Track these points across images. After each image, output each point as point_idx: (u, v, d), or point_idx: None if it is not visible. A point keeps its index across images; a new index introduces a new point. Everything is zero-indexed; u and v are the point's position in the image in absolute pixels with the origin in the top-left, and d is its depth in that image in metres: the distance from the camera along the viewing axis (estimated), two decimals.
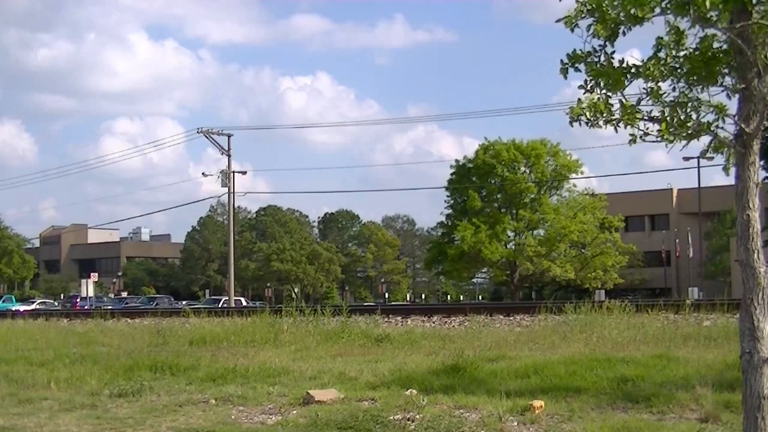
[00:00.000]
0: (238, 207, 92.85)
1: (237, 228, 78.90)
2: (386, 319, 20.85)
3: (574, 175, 61.36)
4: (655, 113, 5.46)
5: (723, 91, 5.44)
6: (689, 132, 5.40)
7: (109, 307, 49.45)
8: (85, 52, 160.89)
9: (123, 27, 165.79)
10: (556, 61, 5.56)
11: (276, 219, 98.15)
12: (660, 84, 5.44)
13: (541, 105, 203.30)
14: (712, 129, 5.43)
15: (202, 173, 59.85)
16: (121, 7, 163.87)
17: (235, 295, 57.93)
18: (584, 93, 5.50)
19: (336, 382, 10.70)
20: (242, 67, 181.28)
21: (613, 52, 5.46)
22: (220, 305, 48.67)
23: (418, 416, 8.35)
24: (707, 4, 4.95)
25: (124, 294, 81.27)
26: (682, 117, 5.39)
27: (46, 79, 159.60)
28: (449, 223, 63.45)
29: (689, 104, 5.41)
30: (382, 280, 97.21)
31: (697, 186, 54.91)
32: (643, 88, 5.45)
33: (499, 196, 60.99)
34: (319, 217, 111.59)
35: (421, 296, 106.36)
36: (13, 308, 50.19)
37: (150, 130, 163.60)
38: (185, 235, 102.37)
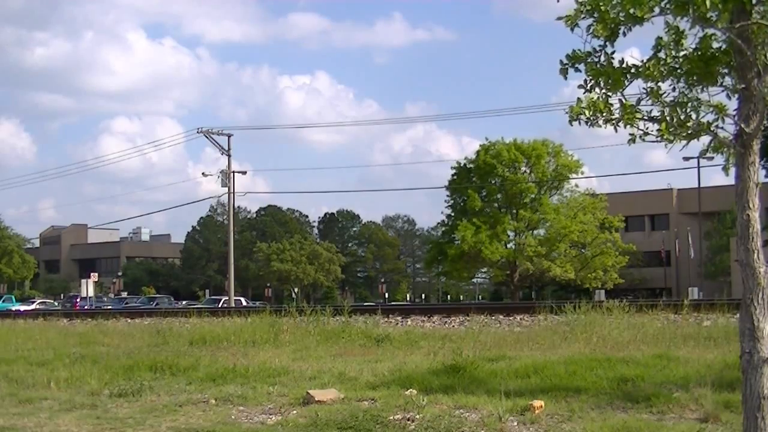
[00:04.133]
0: (238, 207, 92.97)
1: (237, 228, 78.89)
2: (386, 319, 20.83)
3: (573, 175, 61.41)
4: (655, 113, 5.47)
5: (723, 91, 5.45)
6: (689, 132, 5.40)
7: (109, 307, 49.47)
8: (82, 51, 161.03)
9: (121, 25, 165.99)
10: (555, 60, 5.57)
11: (276, 219, 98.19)
12: (660, 84, 5.44)
13: (540, 105, 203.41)
14: (711, 129, 5.43)
15: (202, 173, 59.83)
16: (119, 5, 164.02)
17: (235, 295, 57.92)
18: (584, 93, 5.50)
19: (336, 382, 10.70)
20: (240, 66, 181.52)
21: (613, 52, 5.46)
22: (220, 305, 48.67)
23: (418, 416, 8.35)
24: (707, 4, 4.95)
25: (124, 294, 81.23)
26: (682, 117, 5.39)
27: (44, 77, 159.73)
28: (449, 223, 63.47)
29: (689, 104, 5.41)
30: (382, 280, 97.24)
31: (697, 186, 54.91)
32: (643, 88, 5.46)
33: (499, 196, 60.99)
34: (319, 217, 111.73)
35: (421, 296, 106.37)
36: (13, 308, 50.20)
37: (149, 130, 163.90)
38: (185, 235, 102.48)
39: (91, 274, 59.08)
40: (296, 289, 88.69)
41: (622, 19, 5.26)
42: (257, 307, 26.31)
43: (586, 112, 5.38)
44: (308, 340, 15.73)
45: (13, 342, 18.64)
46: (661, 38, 5.35)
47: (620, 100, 5.45)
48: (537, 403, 8.34)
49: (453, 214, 63.16)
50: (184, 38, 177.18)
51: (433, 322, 20.02)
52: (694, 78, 5.38)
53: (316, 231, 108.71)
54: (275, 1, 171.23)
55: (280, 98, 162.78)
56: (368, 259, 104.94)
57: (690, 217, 68.18)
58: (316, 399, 9.32)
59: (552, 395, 8.89)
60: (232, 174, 55.28)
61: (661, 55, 5.37)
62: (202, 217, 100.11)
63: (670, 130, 5.36)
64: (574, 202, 61.45)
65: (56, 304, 64.77)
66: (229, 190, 55.26)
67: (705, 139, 5.55)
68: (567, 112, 5.45)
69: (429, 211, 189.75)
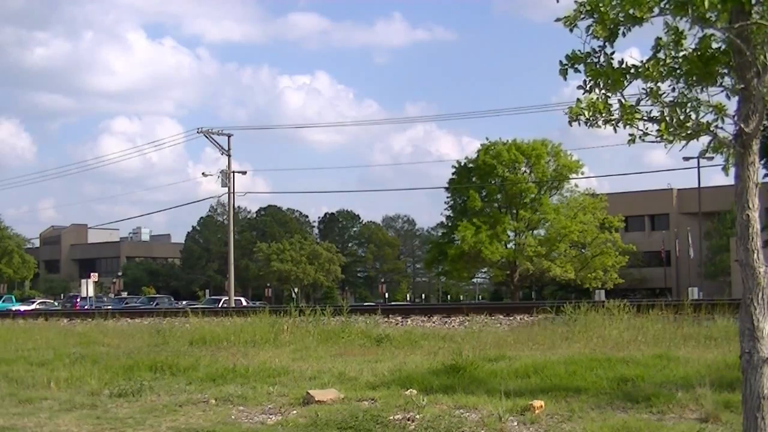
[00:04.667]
0: (238, 207, 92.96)
1: (237, 228, 78.89)
2: (386, 319, 20.84)
3: (573, 176, 61.42)
4: (655, 113, 5.47)
5: (722, 91, 5.45)
6: (689, 132, 5.40)
7: (109, 307, 49.46)
8: (82, 51, 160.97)
9: (120, 25, 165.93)
10: (555, 60, 5.57)
11: (276, 219, 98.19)
12: (659, 84, 5.44)
13: (540, 105, 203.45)
14: (711, 129, 5.43)
15: (202, 173, 59.85)
16: (119, 5, 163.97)
17: (235, 295, 57.92)
18: (583, 93, 5.50)
19: (336, 382, 10.70)
20: (240, 66, 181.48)
21: (613, 53, 5.46)
22: (220, 305, 48.68)
23: (418, 416, 8.35)
24: (706, 4, 4.95)
25: (124, 294, 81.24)
26: (682, 117, 5.39)
27: (44, 77, 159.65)
28: (449, 224, 63.51)
29: (688, 104, 5.41)
30: (382, 280, 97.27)
31: (697, 186, 54.90)
32: (643, 89, 5.46)
33: (499, 196, 61.01)
34: (319, 217, 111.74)
35: (421, 296, 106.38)
36: (13, 308, 50.20)
37: (149, 130, 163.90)
38: (185, 235, 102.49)
39: (91, 274, 59.04)
40: (296, 289, 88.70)
41: (622, 19, 5.26)
42: (257, 307, 26.31)
43: (586, 112, 5.38)
44: (308, 340, 15.72)
45: (13, 342, 18.64)
46: (661, 38, 5.36)
47: (620, 100, 5.45)
48: (537, 403, 8.34)
49: (453, 214, 63.19)
50: (184, 38, 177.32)
51: (433, 322, 20.03)
52: (694, 78, 5.39)
53: (316, 231, 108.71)
54: (275, 1, 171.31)
55: (280, 98, 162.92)
56: (368, 259, 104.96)
57: (690, 217, 68.18)
58: (316, 399, 9.32)
59: (552, 395, 8.89)
60: (232, 174, 55.29)
61: (661, 55, 5.37)
62: (202, 217, 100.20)
63: (670, 130, 5.36)
64: (574, 202, 61.45)
65: (56, 304, 64.77)
66: (229, 190, 55.28)
67: (705, 139, 5.55)
68: (567, 113, 5.46)
69: (429, 211, 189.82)
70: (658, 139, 5.38)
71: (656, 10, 5.21)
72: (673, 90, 5.48)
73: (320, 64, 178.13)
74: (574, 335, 14.23)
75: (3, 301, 63.39)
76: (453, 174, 63.01)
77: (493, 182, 60.06)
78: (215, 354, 14.10)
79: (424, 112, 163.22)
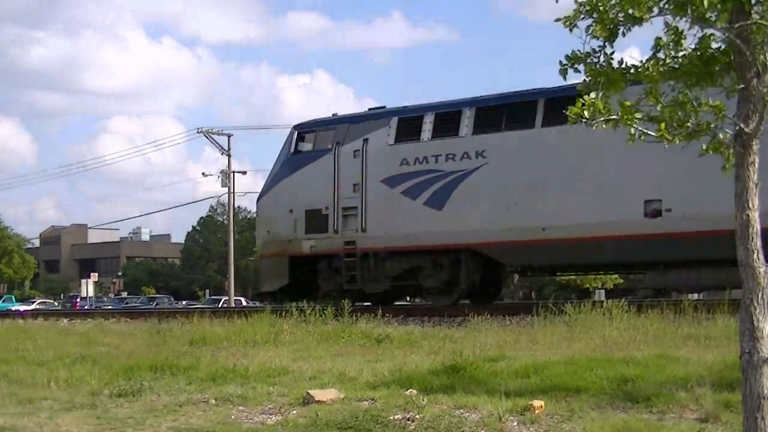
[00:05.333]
0: (238, 207, 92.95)
1: (237, 228, 78.90)
2: (386, 319, 20.80)
3: None
4: (654, 113, 5.47)
5: (722, 91, 5.45)
6: (688, 132, 5.41)
7: (109, 307, 49.50)
8: (81, 50, 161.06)
9: (120, 24, 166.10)
10: (556, 59, 5.58)
11: None
12: (659, 84, 5.45)
13: None
14: (711, 129, 5.43)
15: (202, 173, 60.20)
16: (118, 5, 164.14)
17: (235, 295, 57.94)
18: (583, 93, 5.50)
19: (336, 382, 10.69)
20: (240, 65, 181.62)
21: (613, 53, 5.47)
22: (220, 305, 48.70)
23: (418, 416, 8.35)
24: (705, 4, 4.95)
25: (124, 294, 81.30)
26: (681, 117, 5.39)
27: (43, 76, 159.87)
28: None
29: (688, 104, 5.41)
30: None
31: None
32: (643, 88, 5.46)
33: None
34: None
35: None
36: (13, 308, 50.21)
37: (148, 129, 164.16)
38: (185, 235, 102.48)
39: (91, 274, 59.12)
40: None
41: (621, 19, 5.26)
42: (257, 307, 26.29)
43: (586, 112, 5.38)
44: (308, 340, 15.70)
45: (13, 342, 18.61)
46: (661, 38, 5.36)
47: (619, 100, 5.45)
48: (537, 403, 8.34)
49: None
50: (184, 38, 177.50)
51: (433, 322, 20.00)
52: (694, 79, 5.39)
53: None
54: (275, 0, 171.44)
55: (280, 97, 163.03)
56: None
57: None
58: (316, 399, 9.32)
59: (552, 395, 8.89)
60: (232, 174, 55.34)
61: (661, 55, 5.37)
62: (202, 217, 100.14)
63: (669, 130, 5.36)
64: None
65: (56, 304, 64.82)
66: (229, 190, 55.34)
67: (704, 139, 5.55)
68: (567, 112, 5.46)
69: None
70: (658, 139, 5.38)
71: (656, 10, 5.21)
72: (673, 90, 5.48)
73: (320, 63, 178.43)
74: (575, 335, 14.20)
75: (3, 301, 63.43)
76: None
77: None
78: (215, 354, 14.08)
79: None
